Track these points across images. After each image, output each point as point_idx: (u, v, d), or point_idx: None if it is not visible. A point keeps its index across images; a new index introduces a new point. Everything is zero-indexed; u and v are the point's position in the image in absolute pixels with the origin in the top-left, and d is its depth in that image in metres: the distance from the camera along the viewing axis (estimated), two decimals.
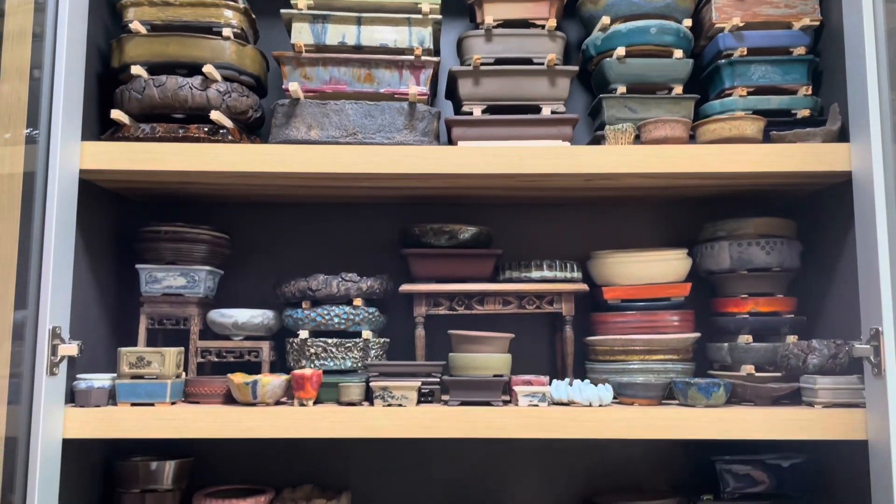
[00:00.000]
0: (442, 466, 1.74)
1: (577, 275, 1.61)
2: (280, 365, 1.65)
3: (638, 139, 1.53)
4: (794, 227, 1.64)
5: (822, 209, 1.61)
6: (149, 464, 1.56)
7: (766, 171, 1.43)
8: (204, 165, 1.43)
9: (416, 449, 1.74)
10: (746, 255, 1.58)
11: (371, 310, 1.59)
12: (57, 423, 1.34)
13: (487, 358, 1.48)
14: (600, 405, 1.41)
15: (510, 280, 1.60)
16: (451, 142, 1.55)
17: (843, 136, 1.47)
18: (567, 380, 1.50)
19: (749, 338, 1.57)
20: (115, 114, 1.47)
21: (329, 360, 1.55)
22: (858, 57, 1.38)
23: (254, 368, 1.59)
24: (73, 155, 1.40)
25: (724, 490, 1.55)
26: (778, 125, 1.56)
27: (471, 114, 1.57)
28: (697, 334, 1.59)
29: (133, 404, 1.40)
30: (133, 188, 1.62)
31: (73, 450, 1.39)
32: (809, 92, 1.60)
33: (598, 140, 1.61)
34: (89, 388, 1.40)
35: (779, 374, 1.53)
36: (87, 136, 1.45)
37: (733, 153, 1.44)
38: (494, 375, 1.47)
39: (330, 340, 1.55)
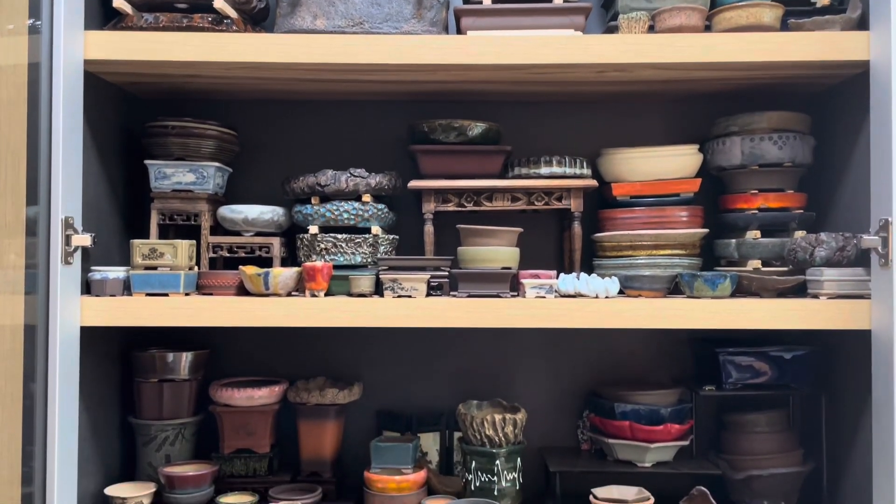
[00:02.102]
0: (450, 360, 1.78)
1: (586, 171, 1.60)
2: (291, 261, 1.67)
3: (652, 29, 1.49)
4: (808, 122, 1.62)
5: (837, 104, 1.58)
6: (166, 354, 1.61)
7: (783, 60, 1.40)
8: (209, 56, 1.41)
9: (424, 343, 1.78)
10: (758, 150, 1.57)
11: (380, 206, 1.60)
12: (74, 312, 1.37)
13: (496, 251, 1.49)
14: (607, 297, 1.43)
15: (519, 177, 1.60)
16: (459, 32, 1.52)
17: (862, 24, 1.43)
18: (574, 273, 1.51)
19: (757, 233, 1.57)
20: (118, 2, 1.44)
21: (339, 255, 1.57)
22: None
23: (265, 264, 1.61)
24: (77, 45, 1.38)
25: (725, 381, 1.58)
26: (796, 14, 1.52)
27: (480, 3, 1.53)
28: (706, 230, 1.59)
29: (148, 294, 1.43)
30: (139, 83, 1.61)
31: (92, 339, 1.43)
32: None
33: (611, 31, 1.57)
34: (104, 278, 1.43)
35: (785, 269, 1.54)
36: (89, 26, 1.42)
37: (750, 42, 1.40)
38: (503, 268, 1.49)
39: (340, 236, 1.57)
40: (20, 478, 1.32)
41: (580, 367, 1.78)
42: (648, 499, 1.45)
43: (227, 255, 1.61)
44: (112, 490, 1.50)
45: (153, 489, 1.51)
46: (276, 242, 1.61)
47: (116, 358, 1.63)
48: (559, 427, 1.78)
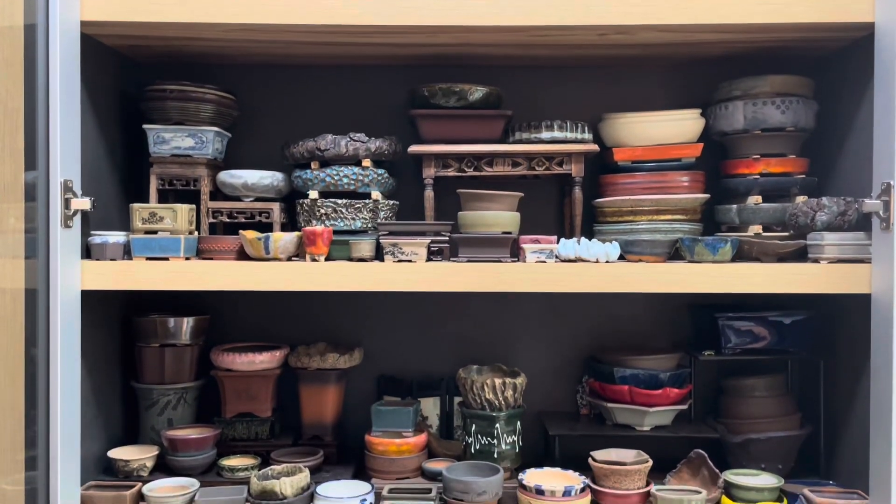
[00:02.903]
0: (450, 326, 1.79)
1: (587, 136, 1.59)
2: (291, 227, 1.67)
3: None
4: (811, 86, 1.61)
5: (841, 67, 1.57)
6: (167, 320, 1.61)
7: (787, 22, 1.39)
8: (208, 17, 1.39)
9: (425, 309, 1.79)
10: (761, 115, 1.56)
11: (380, 171, 1.59)
12: (74, 276, 1.37)
13: (496, 215, 1.49)
14: (607, 262, 1.43)
15: (520, 141, 1.59)
16: None
17: None
18: (575, 238, 1.51)
19: (758, 198, 1.57)
20: None
21: (339, 220, 1.56)
22: None
23: (265, 230, 1.60)
24: (73, 5, 1.36)
25: (725, 346, 1.59)
26: None
27: None
28: (707, 195, 1.59)
29: (148, 259, 1.43)
30: (137, 45, 1.59)
31: (92, 303, 1.43)
32: None
33: None
34: (104, 242, 1.42)
35: (786, 234, 1.53)
36: None
37: (753, 3, 1.39)
38: (503, 233, 1.49)
39: (340, 201, 1.56)
40: (23, 442, 1.33)
41: (580, 334, 1.79)
42: (647, 461, 1.46)
43: (227, 220, 1.61)
44: (115, 453, 1.52)
45: (156, 452, 1.53)
46: (275, 208, 1.60)
47: (117, 323, 1.64)
48: (559, 392, 1.79)
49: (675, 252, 1.49)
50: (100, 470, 1.53)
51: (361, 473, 1.56)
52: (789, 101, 1.55)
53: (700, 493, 1.41)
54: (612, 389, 1.60)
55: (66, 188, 1.33)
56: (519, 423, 1.56)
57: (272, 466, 1.46)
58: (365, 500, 1.40)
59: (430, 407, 1.73)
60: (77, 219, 1.36)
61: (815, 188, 1.61)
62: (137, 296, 1.67)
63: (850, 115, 1.52)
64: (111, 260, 1.42)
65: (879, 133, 1.33)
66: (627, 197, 1.57)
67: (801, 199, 1.55)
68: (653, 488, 1.43)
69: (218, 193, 1.63)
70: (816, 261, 1.41)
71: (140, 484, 1.44)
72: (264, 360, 1.60)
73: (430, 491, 1.44)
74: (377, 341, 1.78)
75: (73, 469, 1.37)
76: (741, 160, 1.60)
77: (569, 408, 1.78)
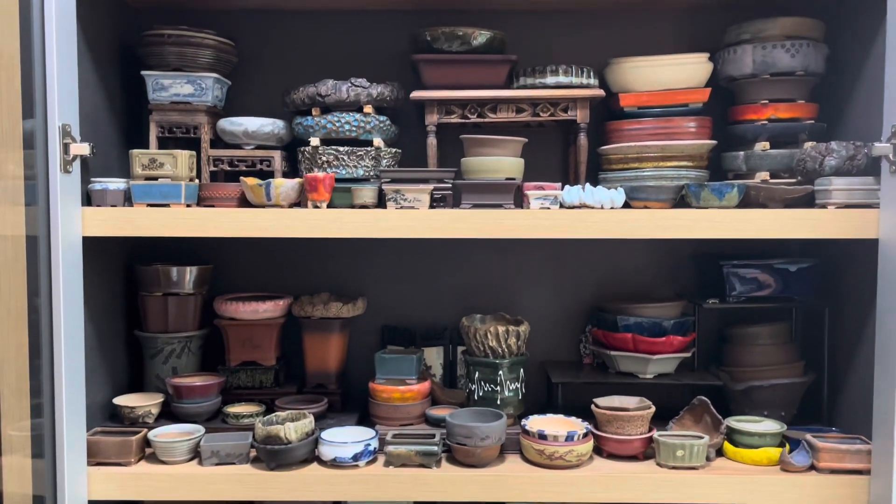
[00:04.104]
0: (454, 276, 1.79)
1: (593, 81, 1.56)
2: (293, 175, 1.65)
3: None
4: (822, 29, 1.57)
5: (852, 9, 1.53)
6: (170, 269, 1.61)
7: None
8: None
9: (428, 259, 1.78)
10: (770, 59, 1.53)
11: (382, 118, 1.57)
12: (75, 222, 1.36)
13: (500, 161, 1.47)
14: (612, 208, 1.42)
15: (524, 87, 1.56)
16: None
17: None
18: (579, 185, 1.49)
19: (766, 144, 1.55)
20: None
21: (341, 168, 1.55)
22: None
23: (266, 178, 1.58)
24: None
25: (729, 294, 1.58)
26: None
27: None
28: (713, 141, 1.56)
29: (149, 205, 1.42)
30: None
31: (94, 252, 1.43)
32: None
33: None
34: (104, 189, 1.41)
35: (794, 180, 1.51)
36: None
37: None
38: (507, 179, 1.47)
39: (341, 148, 1.54)
40: (29, 390, 1.33)
41: (584, 284, 1.78)
42: (649, 407, 1.46)
43: (228, 168, 1.59)
44: (121, 400, 1.52)
45: (161, 399, 1.54)
46: (277, 156, 1.59)
47: (120, 273, 1.63)
48: (562, 342, 1.79)
49: (680, 200, 1.47)
50: (105, 417, 1.55)
51: (366, 421, 1.57)
52: (799, 44, 1.52)
53: (702, 438, 1.41)
54: (615, 338, 1.60)
55: (65, 132, 1.31)
56: (522, 370, 1.56)
57: (276, 413, 1.47)
58: (369, 444, 1.41)
59: (434, 356, 1.73)
60: (76, 164, 1.35)
61: (824, 134, 1.58)
62: (140, 245, 1.67)
63: (860, 59, 1.49)
64: (112, 206, 1.41)
65: (891, 75, 1.30)
66: (633, 143, 1.54)
67: (809, 144, 1.53)
68: (655, 434, 1.43)
69: (218, 142, 1.61)
70: (824, 206, 1.39)
71: (145, 430, 1.45)
72: (268, 309, 1.60)
73: (433, 436, 1.44)
74: (381, 292, 1.78)
75: (79, 415, 1.37)
76: (749, 106, 1.57)
77: (572, 357, 1.78)
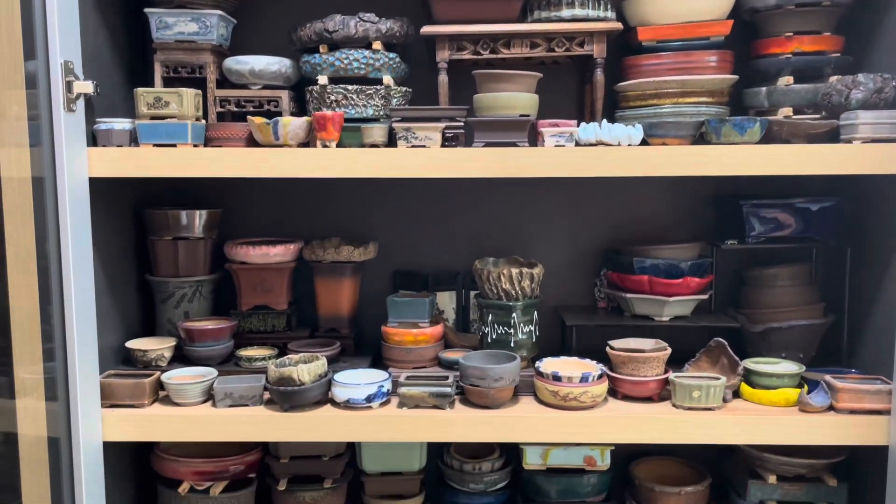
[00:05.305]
0: (466, 219, 1.76)
1: (610, 14, 1.50)
2: (301, 116, 1.62)
3: None
4: None
5: None
6: (179, 212, 1.59)
7: None
8: None
9: (440, 202, 1.75)
10: None
11: (391, 55, 1.52)
12: (81, 162, 1.33)
13: (514, 97, 1.42)
14: (629, 145, 1.37)
15: (539, 20, 1.51)
16: None
17: None
18: (595, 122, 1.45)
19: (790, 79, 1.49)
20: None
21: (350, 107, 1.51)
22: None
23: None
24: None
25: (749, 234, 1.54)
26: None
27: None
28: (735, 76, 1.51)
29: (155, 146, 1.39)
30: None
31: (102, 194, 1.41)
32: None
33: None
34: (110, 129, 1.38)
35: (818, 116, 1.46)
36: None
37: None
38: (521, 115, 1.43)
39: (350, 87, 1.50)
40: (40, 334, 1.32)
41: (599, 227, 1.75)
42: (665, 349, 1.44)
43: (235, 109, 1.55)
44: (133, 343, 1.52)
45: (174, 343, 1.53)
46: (284, 95, 1.55)
47: (129, 218, 1.61)
48: (577, 287, 1.76)
49: (699, 137, 1.42)
50: (118, 361, 1.54)
51: (378, 364, 1.56)
52: None
53: (719, 379, 1.40)
54: (631, 280, 1.57)
55: (68, 70, 1.28)
56: (536, 313, 1.54)
57: (289, 356, 1.46)
58: (382, 386, 1.40)
59: (447, 301, 1.71)
60: (80, 103, 1.32)
61: (850, 67, 1.52)
62: (148, 190, 1.65)
63: None
64: (118, 146, 1.38)
65: None
66: (651, 79, 1.49)
67: (834, 78, 1.47)
68: (671, 375, 1.42)
69: (225, 82, 1.58)
70: (849, 141, 1.34)
71: (159, 373, 1.45)
72: (279, 253, 1.58)
73: (446, 378, 1.43)
74: (392, 237, 1.76)
75: (91, 357, 1.37)
76: (773, 39, 1.51)
77: (587, 301, 1.76)
